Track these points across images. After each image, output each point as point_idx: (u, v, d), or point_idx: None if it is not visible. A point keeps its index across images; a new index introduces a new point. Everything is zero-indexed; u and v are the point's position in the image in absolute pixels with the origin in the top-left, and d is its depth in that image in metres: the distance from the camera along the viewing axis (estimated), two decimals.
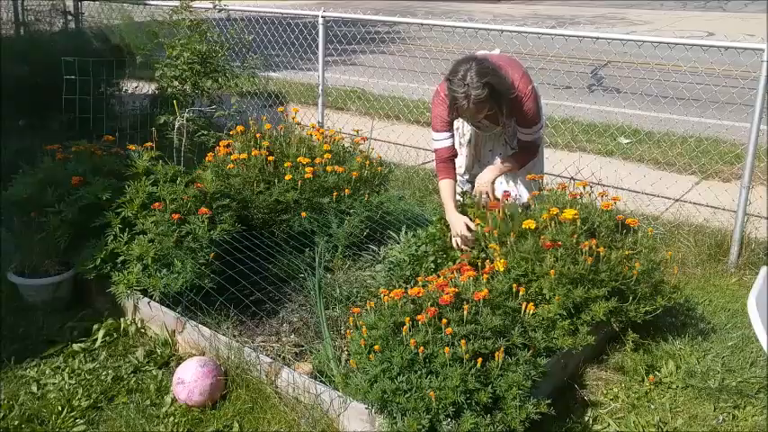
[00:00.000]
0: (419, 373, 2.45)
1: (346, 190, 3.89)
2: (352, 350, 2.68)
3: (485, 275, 2.87)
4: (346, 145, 4.35)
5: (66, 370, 3.07)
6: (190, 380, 2.82)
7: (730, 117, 6.12)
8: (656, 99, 6.06)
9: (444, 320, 2.55)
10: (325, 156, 4.03)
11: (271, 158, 3.95)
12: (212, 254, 3.31)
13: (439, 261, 3.44)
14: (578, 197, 3.35)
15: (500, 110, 3.37)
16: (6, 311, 3.50)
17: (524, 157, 3.65)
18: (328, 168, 3.94)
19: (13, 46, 6.54)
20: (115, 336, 3.33)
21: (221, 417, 2.79)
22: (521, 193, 3.77)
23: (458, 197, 3.71)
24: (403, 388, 2.42)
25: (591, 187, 3.43)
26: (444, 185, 3.56)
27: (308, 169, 3.87)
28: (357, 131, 4.59)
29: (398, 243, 3.59)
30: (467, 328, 2.53)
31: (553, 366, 2.79)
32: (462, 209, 3.52)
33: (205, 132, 5.33)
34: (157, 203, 3.38)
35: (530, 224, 3.11)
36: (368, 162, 4.17)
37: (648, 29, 13.93)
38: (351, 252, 3.71)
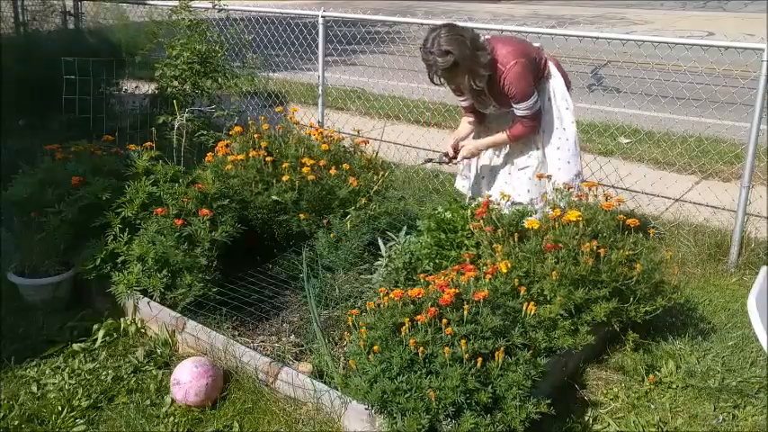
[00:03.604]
0: (419, 373, 2.45)
1: (352, 180, 3.89)
2: (350, 351, 2.68)
3: (487, 276, 2.87)
4: (347, 145, 4.34)
5: (67, 370, 3.07)
6: (185, 380, 2.81)
7: (730, 117, 6.12)
8: (656, 99, 6.06)
9: (444, 320, 2.55)
10: (324, 158, 4.01)
11: (269, 159, 3.94)
12: (214, 257, 3.32)
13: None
14: (583, 198, 3.36)
15: (474, 81, 3.48)
16: (6, 311, 3.50)
17: (516, 129, 3.67)
18: (332, 171, 3.92)
19: (12, 46, 6.54)
20: (115, 336, 3.32)
21: (221, 417, 2.79)
22: (519, 192, 3.77)
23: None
24: (403, 388, 2.42)
25: (600, 189, 3.44)
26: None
27: (307, 172, 3.86)
28: (358, 131, 4.58)
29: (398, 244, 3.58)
30: (467, 328, 2.53)
31: (553, 366, 2.79)
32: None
33: (204, 132, 5.33)
34: (160, 209, 3.37)
35: (533, 224, 3.12)
36: (372, 165, 4.17)
37: (648, 29, 13.92)
38: (351, 252, 3.70)
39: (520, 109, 3.58)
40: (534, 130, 3.67)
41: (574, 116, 3.75)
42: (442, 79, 3.47)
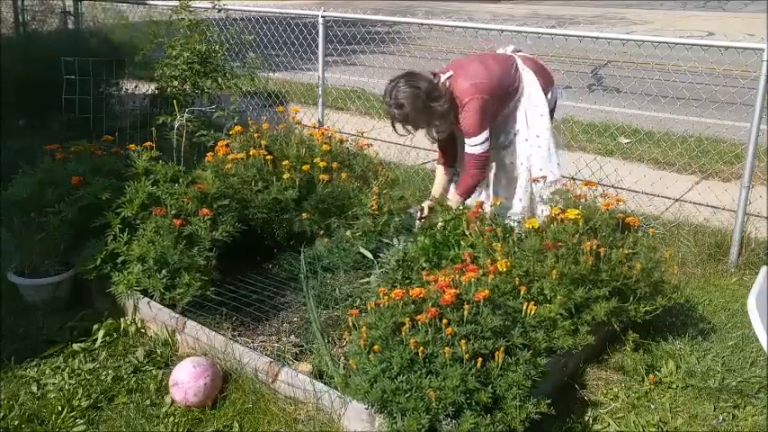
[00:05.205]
0: (419, 372, 2.45)
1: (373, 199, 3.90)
2: (350, 351, 2.68)
3: (489, 275, 2.86)
4: (350, 148, 4.33)
5: (67, 370, 3.07)
6: (183, 381, 2.81)
7: (730, 117, 6.12)
8: (656, 99, 6.06)
9: (445, 320, 2.55)
10: (333, 164, 4.02)
11: (269, 158, 3.94)
12: (213, 257, 3.32)
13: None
14: (582, 198, 3.35)
15: (429, 121, 3.56)
16: (6, 311, 3.49)
17: (462, 183, 3.71)
18: (343, 175, 3.91)
19: (12, 46, 6.54)
20: (115, 336, 3.32)
21: (221, 416, 2.79)
22: (512, 201, 3.79)
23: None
24: (403, 388, 2.42)
25: (598, 188, 3.44)
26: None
27: (307, 170, 3.86)
28: (362, 133, 4.58)
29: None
30: (467, 329, 2.53)
31: (553, 366, 2.79)
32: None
33: (204, 132, 5.33)
34: (159, 209, 3.37)
35: (533, 223, 3.12)
36: (382, 172, 4.18)
37: (648, 29, 13.93)
38: (351, 253, 3.70)
39: (468, 144, 3.60)
40: (481, 175, 3.68)
41: (550, 122, 3.74)
42: (407, 127, 3.56)
